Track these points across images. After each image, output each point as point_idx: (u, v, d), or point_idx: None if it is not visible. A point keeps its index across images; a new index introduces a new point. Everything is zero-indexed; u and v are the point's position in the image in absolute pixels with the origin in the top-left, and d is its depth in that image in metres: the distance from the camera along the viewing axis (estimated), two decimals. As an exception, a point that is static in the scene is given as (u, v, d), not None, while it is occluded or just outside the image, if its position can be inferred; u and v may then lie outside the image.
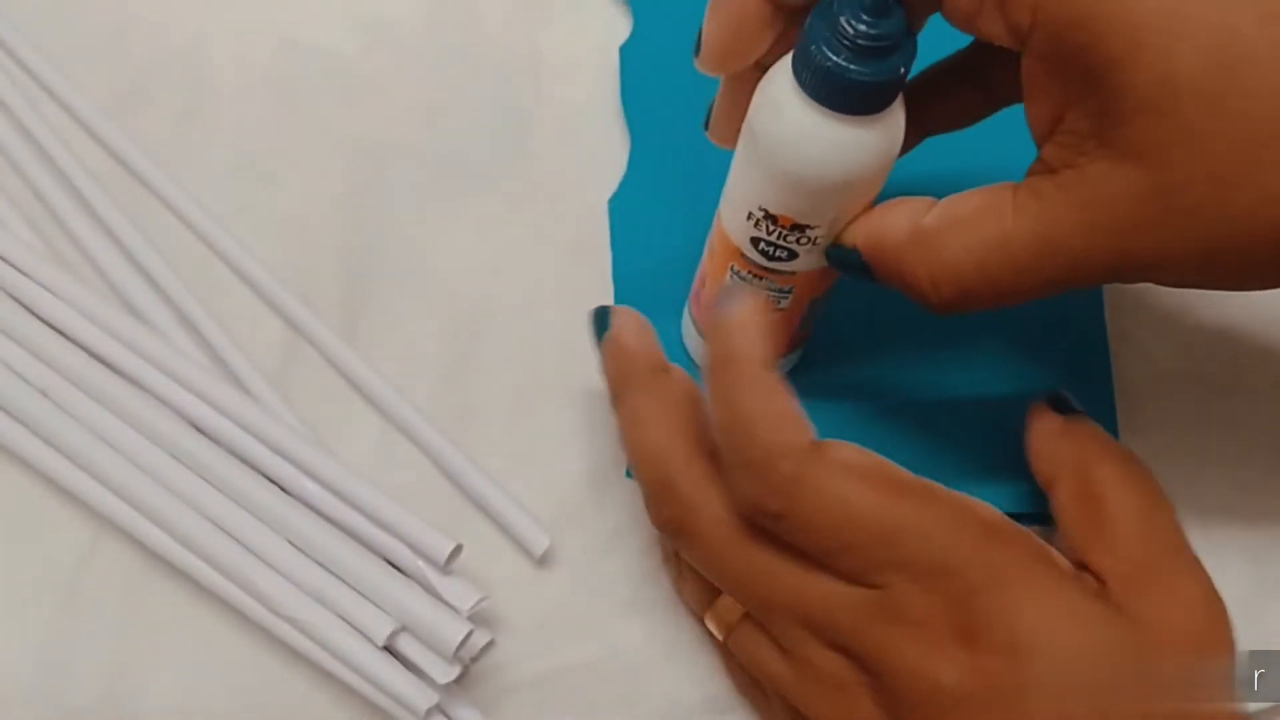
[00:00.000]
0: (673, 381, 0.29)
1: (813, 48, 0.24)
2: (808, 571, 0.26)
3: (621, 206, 0.37)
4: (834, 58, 0.24)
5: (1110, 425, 0.34)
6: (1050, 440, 0.29)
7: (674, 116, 0.37)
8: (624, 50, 0.38)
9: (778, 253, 0.28)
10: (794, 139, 0.25)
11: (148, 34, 0.39)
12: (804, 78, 0.25)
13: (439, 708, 0.30)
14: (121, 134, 0.37)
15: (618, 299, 0.36)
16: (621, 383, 0.29)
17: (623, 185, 0.37)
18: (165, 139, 0.37)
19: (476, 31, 0.39)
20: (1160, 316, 0.36)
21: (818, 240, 0.28)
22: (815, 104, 0.25)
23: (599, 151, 0.38)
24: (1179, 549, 0.26)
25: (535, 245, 0.36)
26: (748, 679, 0.30)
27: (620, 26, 0.39)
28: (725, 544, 0.27)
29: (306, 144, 0.38)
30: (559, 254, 0.36)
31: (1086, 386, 0.34)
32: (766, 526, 0.26)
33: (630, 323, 0.29)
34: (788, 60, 0.25)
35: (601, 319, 0.29)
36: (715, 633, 0.30)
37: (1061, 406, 0.29)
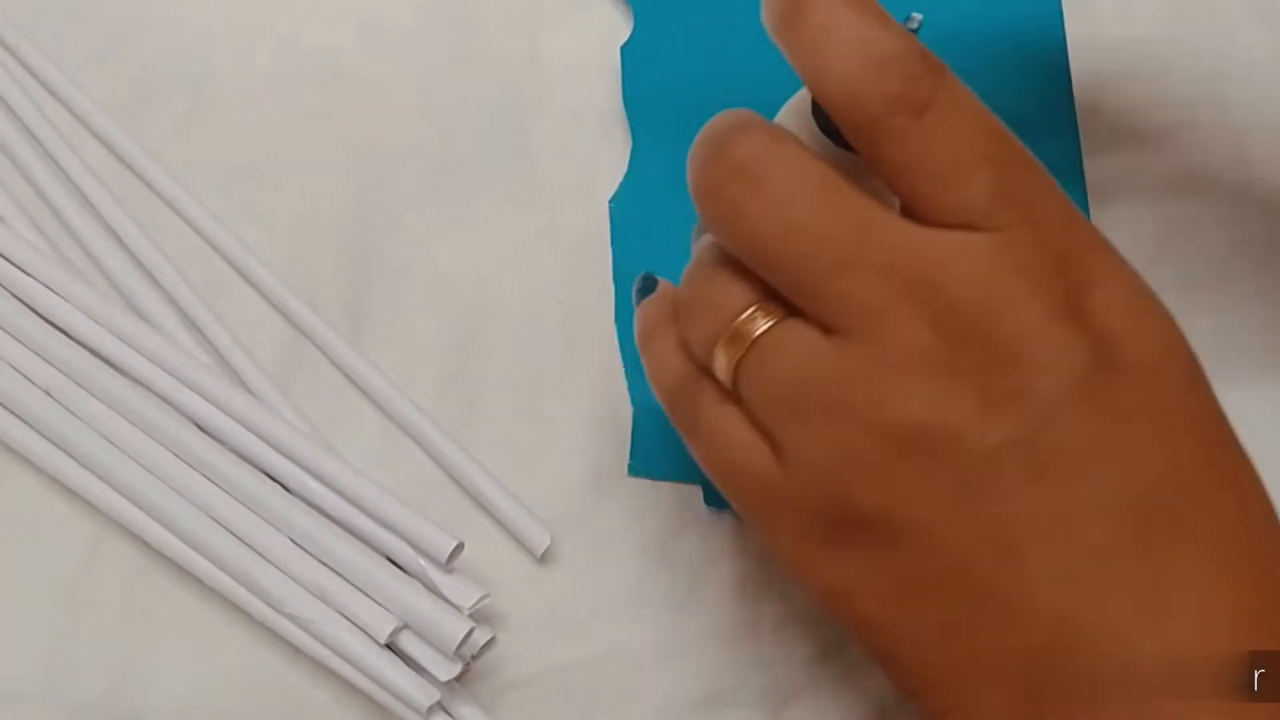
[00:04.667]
0: None
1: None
2: (909, 221, 0.23)
3: (622, 206, 0.37)
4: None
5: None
6: None
7: (675, 116, 0.37)
8: (625, 51, 0.39)
9: None
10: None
11: (151, 36, 0.39)
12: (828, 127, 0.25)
13: (440, 705, 0.30)
14: (125, 135, 0.37)
15: (619, 299, 0.36)
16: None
17: (624, 185, 0.37)
18: (169, 140, 0.38)
19: (477, 32, 0.39)
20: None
21: None
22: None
23: (600, 151, 0.38)
24: None
25: (536, 245, 0.37)
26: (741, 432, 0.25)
27: (621, 26, 0.39)
28: (813, 186, 0.23)
29: (309, 145, 0.38)
30: (560, 254, 0.36)
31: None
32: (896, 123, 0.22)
33: None
34: (805, 117, 0.25)
35: (648, 285, 0.28)
36: (723, 366, 0.25)
37: None
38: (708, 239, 0.27)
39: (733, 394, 0.25)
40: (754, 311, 0.24)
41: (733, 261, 0.25)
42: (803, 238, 0.23)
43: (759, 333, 0.24)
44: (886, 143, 0.23)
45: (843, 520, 0.23)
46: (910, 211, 0.23)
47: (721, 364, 0.25)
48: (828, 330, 0.23)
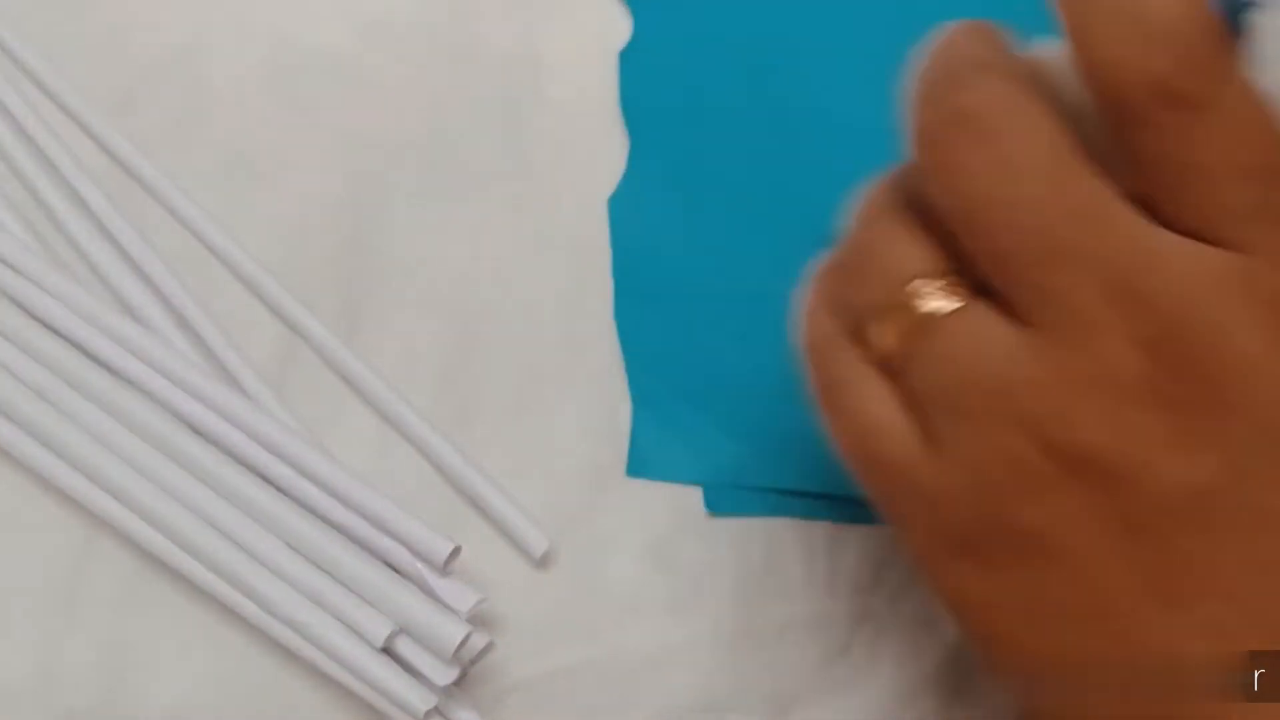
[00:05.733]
0: None
1: None
2: (1142, 219, 0.20)
3: (621, 205, 0.36)
4: None
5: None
6: None
7: (674, 116, 0.37)
8: (623, 55, 0.38)
9: None
10: None
11: (145, 34, 0.39)
12: None
13: (437, 709, 0.30)
14: (118, 133, 0.37)
15: (618, 298, 0.35)
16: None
17: (622, 184, 0.37)
18: (162, 138, 0.37)
19: (474, 30, 0.39)
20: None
21: None
22: None
23: (598, 150, 0.38)
24: None
25: (534, 244, 0.36)
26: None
27: (620, 25, 0.39)
28: (1047, 158, 0.20)
29: (304, 143, 0.38)
30: (558, 253, 0.36)
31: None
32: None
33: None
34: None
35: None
36: (886, 336, 0.22)
37: None
38: (886, 180, 0.24)
39: (887, 368, 0.23)
40: (932, 282, 0.22)
41: (913, 217, 0.22)
42: (1023, 214, 0.20)
43: (943, 312, 0.21)
44: (1143, 130, 0.20)
45: (990, 531, 0.21)
46: (1147, 201, 0.21)
47: (885, 334, 0.22)
48: (1019, 320, 0.21)
